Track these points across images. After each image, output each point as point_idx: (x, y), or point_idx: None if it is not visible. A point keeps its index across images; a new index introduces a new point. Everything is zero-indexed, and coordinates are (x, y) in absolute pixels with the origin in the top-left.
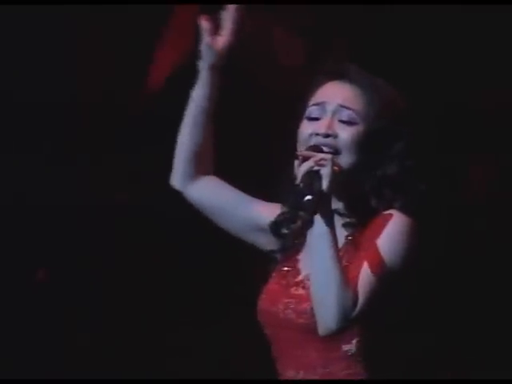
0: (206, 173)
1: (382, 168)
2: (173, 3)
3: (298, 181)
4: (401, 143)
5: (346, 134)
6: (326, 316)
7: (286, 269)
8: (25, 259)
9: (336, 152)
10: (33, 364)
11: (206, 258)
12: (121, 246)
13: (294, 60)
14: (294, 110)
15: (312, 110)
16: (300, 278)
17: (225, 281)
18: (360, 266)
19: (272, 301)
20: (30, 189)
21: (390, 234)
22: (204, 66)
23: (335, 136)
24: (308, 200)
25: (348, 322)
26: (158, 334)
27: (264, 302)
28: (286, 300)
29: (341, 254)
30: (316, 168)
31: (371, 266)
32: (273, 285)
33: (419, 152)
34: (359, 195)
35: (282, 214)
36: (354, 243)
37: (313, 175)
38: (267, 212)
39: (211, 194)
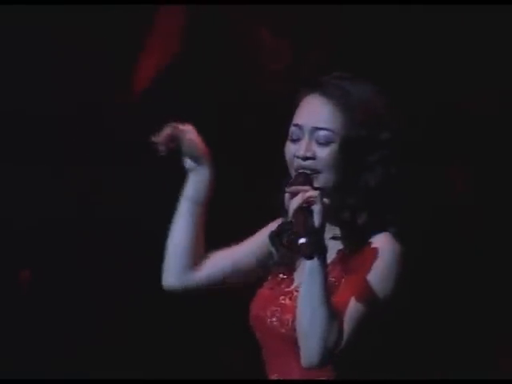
0: (200, 257)
1: (364, 179)
2: (158, 3)
3: (290, 217)
4: (383, 151)
5: (324, 154)
6: (309, 351)
7: (281, 276)
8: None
9: (316, 172)
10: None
11: None
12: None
13: (280, 62)
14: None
15: (292, 131)
16: (292, 287)
17: None
18: (347, 292)
19: (262, 306)
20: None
21: (382, 265)
22: (190, 166)
23: (314, 158)
24: (301, 243)
25: (331, 357)
26: (155, 334)
27: (255, 307)
28: (274, 308)
29: (329, 268)
30: (305, 205)
31: (360, 300)
32: (266, 290)
33: (405, 158)
34: (348, 210)
35: (282, 225)
36: (343, 259)
37: (304, 212)
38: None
39: (210, 273)
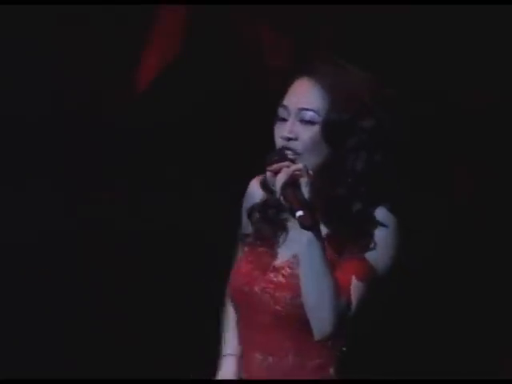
0: None
1: (349, 164)
2: (159, 3)
3: (278, 195)
4: (364, 136)
5: (306, 136)
6: (321, 322)
7: (262, 249)
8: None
9: (298, 154)
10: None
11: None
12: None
13: (282, 60)
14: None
15: (279, 111)
16: (278, 263)
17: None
18: (349, 270)
19: (246, 281)
20: None
21: (379, 240)
22: None
23: (296, 139)
24: (300, 216)
25: (342, 325)
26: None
27: (237, 281)
28: (264, 284)
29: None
30: (291, 179)
31: (359, 274)
32: (247, 263)
33: (398, 146)
34: (337, 196)
35: (265, 201)
36: (333, 242)
37: (292, 186)
38: None
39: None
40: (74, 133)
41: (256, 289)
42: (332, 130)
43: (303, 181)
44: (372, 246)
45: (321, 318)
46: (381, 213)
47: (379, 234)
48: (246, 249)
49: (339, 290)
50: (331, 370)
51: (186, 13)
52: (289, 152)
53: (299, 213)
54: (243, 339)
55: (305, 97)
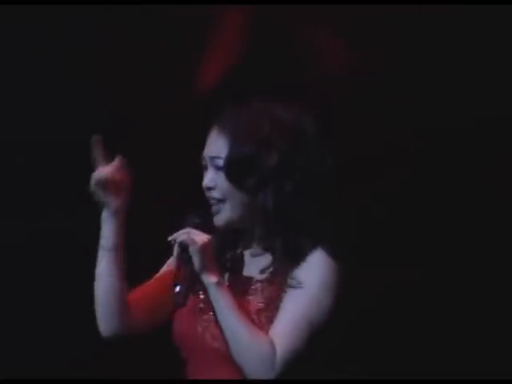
0: (126, 304)
1: (261, 200)
2: (225, 3)
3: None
4: (267, 171)
5: (223, 183)
6: (248, 368)
7: (202, 296)
8: None
9: (222, 201)
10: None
11: None
12: None
13: (341, 63)
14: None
15: (202, 161)
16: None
17: None
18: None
19: (189, 324)
20: None
21: (314, 283)
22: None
23: (214, 187)
24: (176, 292)
25: (276, 367)
26: None
27: (181, 325)
28: (205, 324)
29: (258, 290)
30: (182, 251)
31: (297, 317)
32: (188, 308)
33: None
34: (265, 232)
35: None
36: (273, 281)
37: (181, 258)
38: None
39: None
40: (140, 134)
41: (199, 329)
42: (232, 171)
43: (191, 250)
44: (301, 286)
45: (247, 366)
46: (316, 255)
47: (308, 275)
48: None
49: (257, 334)
50: None
51: (249, 13)
52: (212, 201)
53: (176, 288)
54: (192, 378)
55: (213, 145)
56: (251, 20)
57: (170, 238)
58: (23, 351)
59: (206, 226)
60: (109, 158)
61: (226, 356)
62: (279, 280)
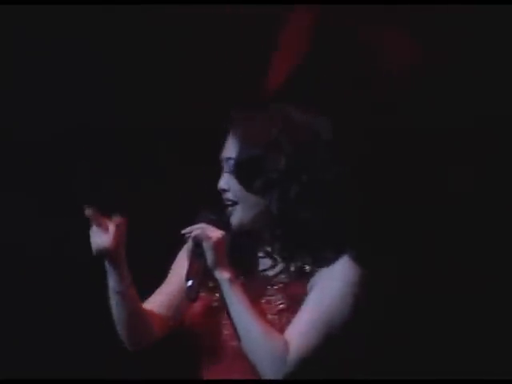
0: (146, 323)
1: (269, 202)
2: (292, 3)
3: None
4: (273, 175)
5: (233, 184)
6: (259, 364)
7: (217, 294)
8: None
9: (234, 204)
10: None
11: None
12: None
13: (408, 63)
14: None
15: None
16: None
17: None
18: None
19: (205, 322)
20: None
21: (339, 286)
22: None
23: (228, 189)
24: (188, 286)
25: (288, 365)
26: None
27: (197, 323)
28: (224, 322)
29: (279, 290)
30: (196, 246)
31: (315, 318)
32: (203, 307)
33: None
34: (276, 234)
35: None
36: (296, 283)
37: (194, 253)
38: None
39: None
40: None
41: (216, 327)
42: (241, 172)
43: (205, 246)
44: (323, 289)
45: (261, 366)
46: (339, 259)
47: (331, 278)
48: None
49: (271, 335)
50: None
51: (315, 13)
52: (227, 203)
53: (188, 283)
54: (204, 372)
55: (226, 147)
56: (315, 20)
57: (184, 231)
58: (23, 351)
59: (220, 223)
60: (105, 218)
61: (242, 354)
62: (302, 282)
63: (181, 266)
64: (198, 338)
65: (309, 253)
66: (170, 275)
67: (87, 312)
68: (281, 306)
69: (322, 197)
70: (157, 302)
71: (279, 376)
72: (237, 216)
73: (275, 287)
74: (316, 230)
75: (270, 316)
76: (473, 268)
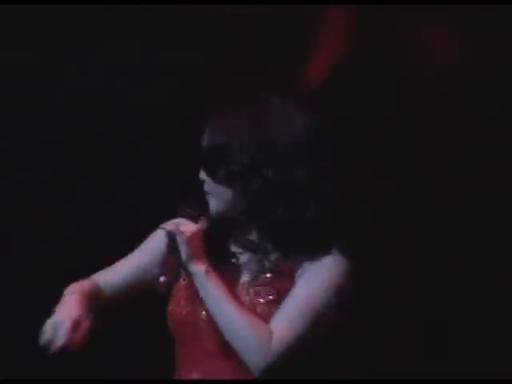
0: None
1: (235, 194)
2: (329, 3)
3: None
4: (236, 167)
5: (205, 175)
6: (243, 351)
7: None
8: None
9: (209, 194)
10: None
11: None
12: None
13: (448, 61)
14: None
15: None
16: None
17: None
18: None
19: (189, 313)
20: None
21: (325, 277)
22: None
23: (204, 180)
24: (159, 282)
25: (271, 352)
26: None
27: (180, 313)
28: (208, 313)
29: (268, 281)
30: (171, 241)
31: (300, 307)
32: (187, 297)
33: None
34: (252, 225)
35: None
36: (284, 273)
37: (168, 248)
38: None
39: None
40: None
41: (200, 318)
42: (206, 160)
43: (179, 240)
44: (309, 280)
45: (247, 356)
46: (326, 252)
47: (317, 270)
48: (182, 282)
49: (253, 319)
50: None
51: (355, 12)
52: (206, 193)
53: (160, 278)
54: (180, 362)
55: (207, 143)
56: (354, 20)
57: (159, 227)
58: (23, 351)
59: (197, 216)
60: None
61: (225, 346)
62: (291, 273)
63: (154, 245)
64: (180, 328)
65: (289, 244)
66: (139, 249)
67: None
68: (270, 297)
69: (294, 194)
70: (120, 273)
71: (264, 364)
72: (211, 205)
73: (264, 278)
74: (291, 224)
75: (259, 307)
76: (464, 261)
